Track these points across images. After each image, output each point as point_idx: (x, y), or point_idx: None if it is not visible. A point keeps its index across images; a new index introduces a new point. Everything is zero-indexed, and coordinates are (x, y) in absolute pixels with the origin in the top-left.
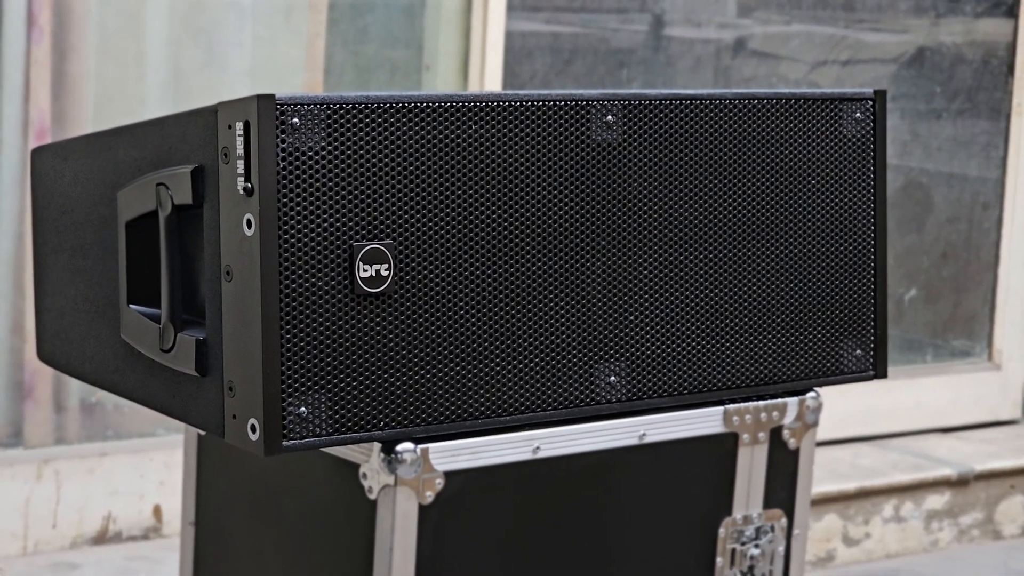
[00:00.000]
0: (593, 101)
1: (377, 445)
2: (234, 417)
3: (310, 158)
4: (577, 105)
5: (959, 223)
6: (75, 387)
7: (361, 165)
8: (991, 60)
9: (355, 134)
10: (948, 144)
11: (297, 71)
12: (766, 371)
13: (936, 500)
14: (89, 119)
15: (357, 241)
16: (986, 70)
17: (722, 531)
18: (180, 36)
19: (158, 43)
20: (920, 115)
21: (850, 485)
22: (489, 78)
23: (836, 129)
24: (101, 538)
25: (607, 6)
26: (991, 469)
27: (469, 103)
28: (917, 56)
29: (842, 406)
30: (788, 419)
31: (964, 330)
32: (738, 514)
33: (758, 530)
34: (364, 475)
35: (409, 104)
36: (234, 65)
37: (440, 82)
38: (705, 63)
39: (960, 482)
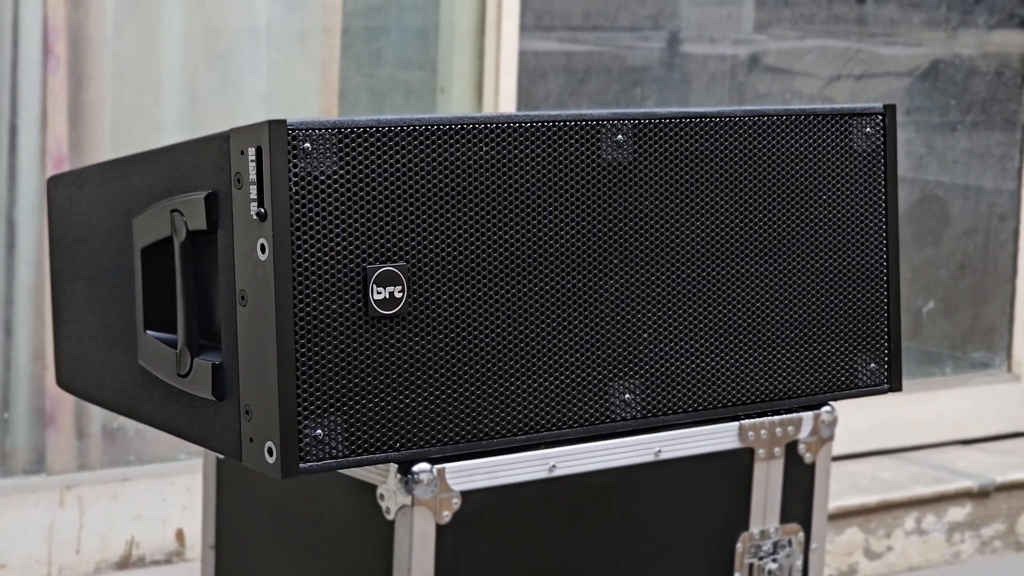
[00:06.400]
0: (603, 120)
1: (394, 466)
2: (251, 440)
3: (322, 182)
4: (588, 125)
5: (976, 235)
6: (97, 413)
7: (373, 188)
8: (1005, 72)
9: (367, 158)
10: (963, 156)
11: (312, 95)
12: (780, 386)
13: (958, 512)
14: (106, 147)
15: (370, 264)
16: (1000, 82)
17: (739, 546)
18: (196, 62)
19: (174, 70)
20: (935, 128)
21: (871, 499)
22: (504, 99)
23: (847, 144)
24: (125, 563)
25: (621, 24)
26: (1012, 480)
27: (479, 125)
28: (931, 69)
29: (862, 419)
30: (803, 434)
31: (983, 342)
32: (755, 529)
33: (775, 544)
34: (381, 496)
35: (420, 127)
36: (250, 90)
37: (455, 103)
38: (720, 80)
39: (981, 494)
